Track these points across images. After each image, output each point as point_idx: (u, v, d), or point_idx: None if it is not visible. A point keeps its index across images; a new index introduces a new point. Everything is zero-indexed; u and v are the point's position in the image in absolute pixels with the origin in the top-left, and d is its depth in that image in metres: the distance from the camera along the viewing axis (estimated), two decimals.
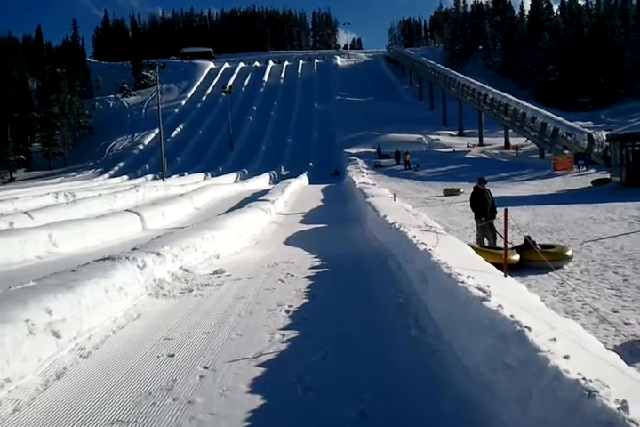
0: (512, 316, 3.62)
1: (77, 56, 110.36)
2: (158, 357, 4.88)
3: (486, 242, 11.06)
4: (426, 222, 10.48)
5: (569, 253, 10.04)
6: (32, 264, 10.58)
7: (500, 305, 3.86)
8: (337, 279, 7.83)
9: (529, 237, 10.13)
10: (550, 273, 9.15)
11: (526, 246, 9.78)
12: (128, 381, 4.38)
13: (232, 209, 20.34)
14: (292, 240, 13.21)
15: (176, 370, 4.57)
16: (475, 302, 4.01)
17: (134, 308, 6.31)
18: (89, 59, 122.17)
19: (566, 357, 3.08)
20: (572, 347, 3.38)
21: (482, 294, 4.14)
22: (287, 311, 6.13)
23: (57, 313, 4.82)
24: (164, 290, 7.13)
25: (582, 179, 31.44)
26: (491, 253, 9.31)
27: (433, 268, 5.53)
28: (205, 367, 4.62)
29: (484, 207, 11.18)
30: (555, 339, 3.38)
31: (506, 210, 6.75)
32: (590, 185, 27.76)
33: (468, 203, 18.90)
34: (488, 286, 4.48)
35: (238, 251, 11.31)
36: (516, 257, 9.65)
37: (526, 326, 3.40)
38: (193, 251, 8.95)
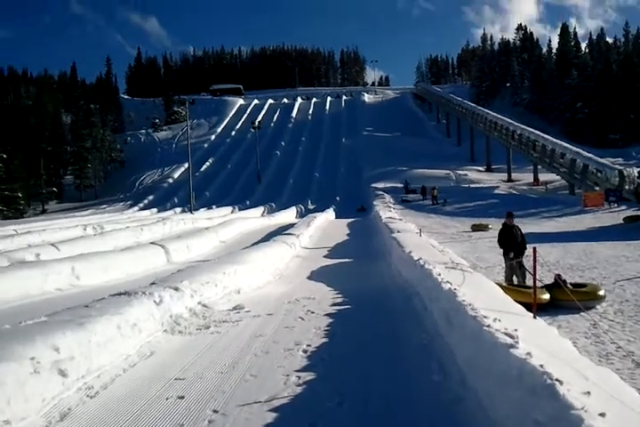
0: (542, 366, 3.33)
1: (110, 92, 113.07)
2: (167, 398, 4.66)
3: (515, 280, 10.71)
4: (452, 259, 10.19)
5: (601, 292, 9.65)
6: (52, 297, 10.49)
7: (528, 353, 3.57)
8: (358, 318, 7.56)
9: (559, 275, 9.80)
10: (582, 313, 8.78)
11: (557, 285, 9.44)
12: (134, 424, 4.16)
13: (257, 243, 20.21)
14: (316, 275, 12.99)
15: (185, 413, 4.33)
16: (502, 349, 3.73)
17: (148, 345, 6.11)
18: (122, 95, 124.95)
19: (602, 414, 2.80)
20: (609, 402, 3.08)
21: (509, 340, 3.86)
22: (305, 351, 5.88)
23: (65, 351, 4.64)
24: (180, 326, 6.93)
25: (614, 216, 30.80)
26: (519, 292, 8.98)
27: (458, 309, 5.26)
28: (215, 411, 4.37)
29: (512, 244, 10.83)
30: (589, 392, 3.09)
31: (534, 248, 6.47)
32: (622, 222, 27.14)
33: (496, 239, 18.50)
34: (516, 330, 4.20)
35: (261, 286, 11.12)
36: (546, 296, 9.30)
37: (557, 379, 3.11)
38: (213, 286, 8.77)
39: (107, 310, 5.70)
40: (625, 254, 15.89)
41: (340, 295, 9.43)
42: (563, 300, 9.19)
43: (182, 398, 4.63)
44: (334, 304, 8.59)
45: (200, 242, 21.24)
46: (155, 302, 6.74)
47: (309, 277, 12.71)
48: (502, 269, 14.30)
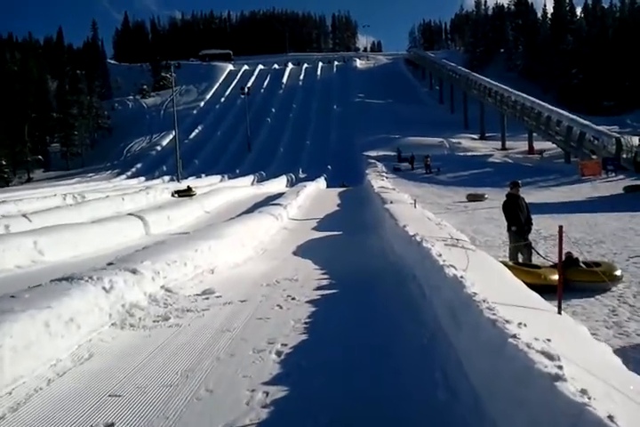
0: (611, 418, 2.23)
1: (97, 57, 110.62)
2: None
3: (520, 258, 9.68)
4: (451, 234, 9.13)
5: (618, 272, 8.62)
6: (7, 275, 9.44)
7: (583, 391, 2.49)
8: (346, 306, 6.53)
9: (570, 253, 8.82)
10: (597, 297, 7.84)
11: (568, 264, 8.48)
12: None
13: (244, 213, 19.20)
14: (302, 250, 11.97)
15: None
16: (542, 382, 2.65)
17: (87, 345, 5.05)
18: (109, 60, 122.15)
19: None
20: None
21: (549, 365, 2.74)
22: (278, 354, 4.84)
23: None
24: (133, 318, 5.86)
25: (612, 185, 29.85)
26: (528, 273, 8.00)
27: (468, 305, 4.23)
28: None
29: (518, 217, 9.76)
30: None
31: (561, 227, 5.35)
32: (622, 192, 26.20)
33: (494, 209, 17.47)
34: (549, 341, 3.16)
35: (240, 263, 10.09)
36: (556, 277, 8.31)
37: None
38: (181, 265, 7.71)
39: (34, 304, 4.63)
40: (632, 227, 14.89)
41: (326, 276, 8.40)
42: (575, 281, 8.23)
43: (112, 426, 3.59)
44: (319, 288, 7.56)
45: (182, 213, 20.21)
46: (104, 288, 5.68)
47: (295, 253, 11.70)
48: (503, 243, 13.38)
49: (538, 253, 9.57)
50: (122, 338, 5.38)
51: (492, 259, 7.13)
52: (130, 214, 17.42)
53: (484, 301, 4.16)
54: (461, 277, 5.01)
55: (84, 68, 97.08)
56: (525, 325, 3.55)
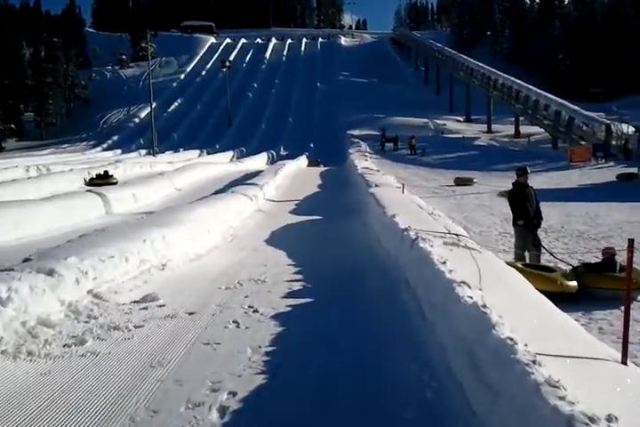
0: None
1: (75, 25, 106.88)
2: None
3: (526, 257, 8.34)
4: (447, 227, 7.79)
5: None
6: None
7: None
8: (322, 326, 5.11)
9: (610, 250, 7.55)
10: (622, 308, 6.56)
11: (590, 267, 7.24)
12: None
13: (219, 192, 17.78)
14: (276, 238, 10.61)
15: None
16: None
17: None
18: (87, 29, 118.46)
19: None
20: None
21: None
22: (221, 411, 3.37)
23: None
24: (35, 342, 4.35)
25: (603, 172, 28.79)
26: (541, 278, 6.69)
27: (504, 363, 2.83)
28: None
29: (527, 210, 8.40)
30: None
31: (631, 240, 3.81)
32: (615, 180, 25.11)
33: (483, 195, 16.33)
34: None
35: (202, 253, 8.68)
36: (574, 284, 7.03)
37: None
38: (121, 261, 6.22)
39: None
40: (638, 220, 13.70)
41: (299, 276, 6.98)
42: (595, 287, 6.97)
43: None
44: (290, 294, 6.12)
45: (150, 190, 18.75)
46: None
47: (267, 241, 10.33)
48: (500, 234, 12.17)
49: (551, 255, 8.27)
50: (6, 376, 3.88)
51: (503, 265, 5.78)
52: (89, 191, 15.95)
53: (525, 351, 2.83)
54: (484, 306, 3.63)
55: (61, 35, 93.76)
56: (590, 392, 2.24)
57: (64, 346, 4.42)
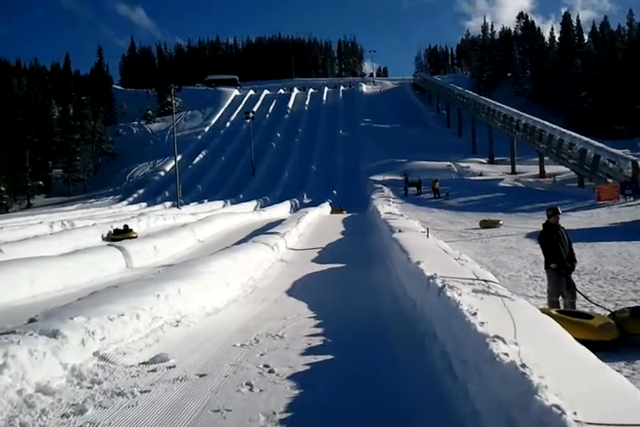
0: None
1: (103, 83, 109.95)
2: None
3: (561, 303, 7.89)
4: (476, 273, 7.42)
5: None
6: None
7: None
8: (342, 388, 4.69)
9: None
10: None
11: (637, 312, 6.76)
12: None
13: (242, 242, 17.56)
14: (297, 289, 10.31)
15: None
16: None
17: None
18: (115, 86, 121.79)
19: None
20: None
21: None
22: None
23: None
24: (31, 412, 4.00)
25: (633, 210, 28.12)
26: (578, 326, 6.26)
27: None
28: None
29: (559, 252, 8.01)
30: None
31: None
32: None
33: (511, 237, 15.98)
34: None
35: (220, 307, 8.39)
36: (615, 331, 6.56)
37: None
38: (131, 319, 5.93)
39: None
40: None
41: (320, 329, 6.61)
42: (637, 334, 6.50)
43: None
44: (309, 350, 5.74)
45: (172, 242, 18.57)
46: None
47: (289, 292, 10.02)
48: (530, 278, 11.70)
49: (587, 299, 7.83)
50: None
51: (538, 313, 5.36)
52: (109, 244, 15.83)
53: (575, 422, 2.47)
54: (522, 365, 3.26)
55: (89, 93, 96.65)
56: None
57: (62, 416, 4.07)
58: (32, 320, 5.26)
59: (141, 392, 4.53)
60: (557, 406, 2.74)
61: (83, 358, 4.97)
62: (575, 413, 2.69)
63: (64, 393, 4.45)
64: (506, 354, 3.55)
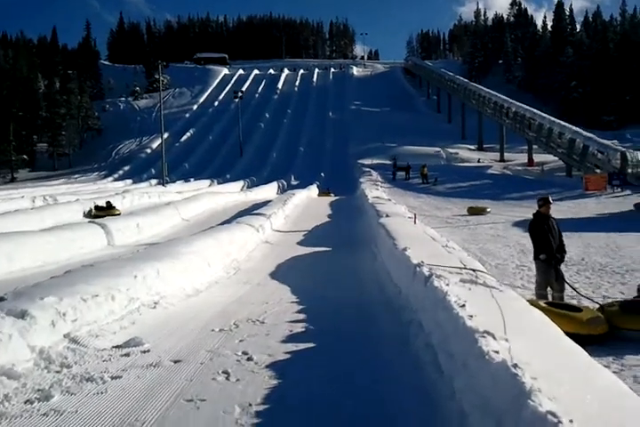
0: None
1: (90, 57, 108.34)
2: None
3: (549, 294, 7.73)
4: (463, 261, 7.24)
5: None
6: None
7: None
8: (321, 377, 4.47)
9: None
10: None
11: (627, 306, 6.61)
12: None
13: (227, 222, 17.31)
14: (281, 272, 10.09)
15: None
16: None
17: None
18: (102, 61, 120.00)
19: None
20: None
21: None
22: None
23: None
24: None
25: (620, 201, 28.10)
26: (567, 318, 6.11)
27: None
28: None
29: (549, 243, 7.83)
30: None
31: None
32: (632, 209, 24.43)
33: (498, 225, 15.92)
34: None
35: (201, 288, 8.17)
36: (604, 325, 6.40)
37: None
38: (106, 300, 5.67)
39: None
40: None
41: (302, 315, 6.40)
42: (626, 329, 6.36)
43: None
44: (289, 338, 5.52)
45: (156, 220, 18.31)
46: None
47: (272, 275, 9.81)
48: (517, 267, 11.59)
49: (576, 291, 7.69)
50: None
51: (527, 306, 5.17)
52: (91, 221, 15.52)
53: None
54: (514, 366, 3.04)
55: (76, 68, 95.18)
56: None
57: (25, 402, 3.84)
58: (1, 299, 5.01)
59: (112, 378, 4.28)
60: (553, 414, 2.52)
61: (52, 341, 4.72)
62: (571, 420, 2.47)
63: (30, 377, 4.19)
64: (496, 352, 3.33)
